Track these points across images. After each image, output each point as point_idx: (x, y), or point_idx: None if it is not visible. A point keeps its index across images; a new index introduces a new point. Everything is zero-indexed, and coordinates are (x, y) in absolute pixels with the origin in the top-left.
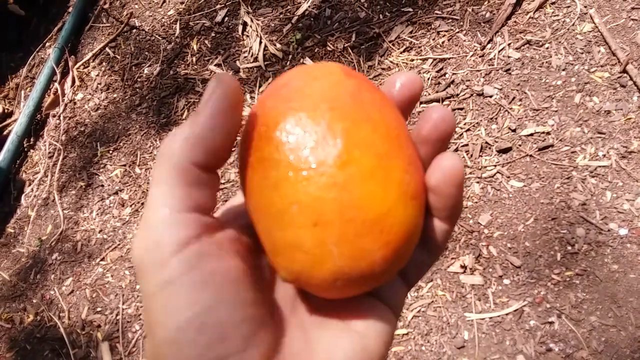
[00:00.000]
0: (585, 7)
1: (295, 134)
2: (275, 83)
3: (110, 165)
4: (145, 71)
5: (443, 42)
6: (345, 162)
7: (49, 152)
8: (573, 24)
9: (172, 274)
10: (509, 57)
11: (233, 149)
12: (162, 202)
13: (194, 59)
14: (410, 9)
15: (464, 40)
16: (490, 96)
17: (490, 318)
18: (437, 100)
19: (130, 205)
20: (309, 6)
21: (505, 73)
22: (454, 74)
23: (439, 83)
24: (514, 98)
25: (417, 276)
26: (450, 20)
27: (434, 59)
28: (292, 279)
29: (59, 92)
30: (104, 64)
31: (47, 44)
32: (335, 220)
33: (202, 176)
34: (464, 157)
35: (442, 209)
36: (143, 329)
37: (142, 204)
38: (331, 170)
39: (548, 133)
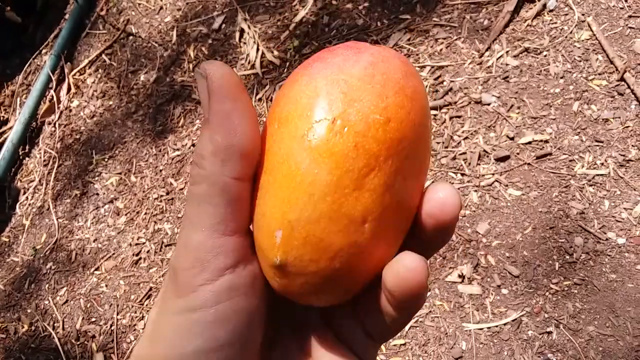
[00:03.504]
0: (583, 15)
1: None
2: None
3: (106, 173)
4: (142, 78)
5: (441, 50)
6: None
7: (44, 160)
8: (571, 32)
9: (198, 303)
10: (507, 64)
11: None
12: (201, 222)
13: (191, 66)
14: (408, 16)
15: (462, 48)
16: (488, 104)
17: (489, 328)
18: (435, 108)
19: (126, 214)
20: (306, 13)
21: (503, 81)
22: (451, 81)
23: (437, 91)
24: (512, 106)
25: (386, 338)
26: (448, 28)
27: (432, 67)
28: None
29: (55, 99)
30: (100, 71)
31: (44, 51)
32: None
33: (241, 189)
34: (461, 165)
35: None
36: (141, 333)
37: (138, 212)
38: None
39: (546, 141)
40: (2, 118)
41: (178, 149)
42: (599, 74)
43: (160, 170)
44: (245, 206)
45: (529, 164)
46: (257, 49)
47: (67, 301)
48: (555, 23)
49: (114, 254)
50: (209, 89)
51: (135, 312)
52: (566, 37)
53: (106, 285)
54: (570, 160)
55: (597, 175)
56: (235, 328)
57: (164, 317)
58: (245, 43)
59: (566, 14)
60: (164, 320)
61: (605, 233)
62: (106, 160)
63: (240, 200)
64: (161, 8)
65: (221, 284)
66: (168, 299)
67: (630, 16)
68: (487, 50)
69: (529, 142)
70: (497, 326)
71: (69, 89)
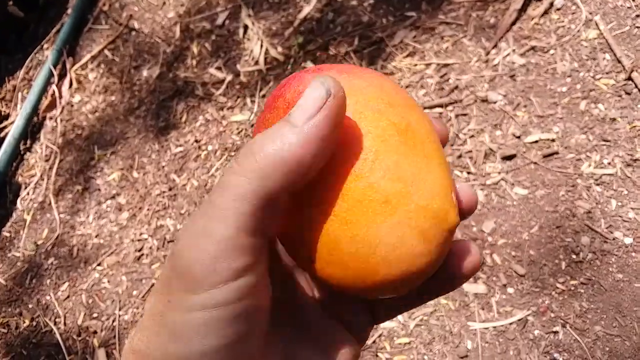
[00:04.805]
0: (590, 13)
1: None
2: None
3: (108, 169)
4: (144, 74)
5: (447, 47)
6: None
7: (46, 155)
8: (578, 31)
9: (218, 300)
10: (513, 63)
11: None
12: (231, 218)
13: (194, 62)
14: (414, 14)
15: (468, 46)
16: (495, 102)
17: (494, 327)
18: (440, 106)
19: (128, 210)
20: (311, 10)
21: (509, 79)
22: (457, 79)
23: (443, 88)
24: (518, 104)
25: (386, 317)
26: (454, 25)
27: (438, 64)
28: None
29: (57, 94)
30: (102, 66)
31: (45, 46)
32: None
33: (284, 200)
34: (467, 163)
35: None
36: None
37: (140, 208)
38: None
39: (553, 140)
40: (3, 113)
41: (181, 145)
42: (606, 73)
43: (163, 167)
44: (279, 217)
45: (535, 162)
46: (261, 46)
47: (68, 297)
48: (563, 21)
49: (116, 249)
50: (327, 104)
51: (137, 308)
52: (573, 35)
53: (108, 281)
54: (577, 160)
55: (604, 174)
56: (250, 325)
57: (173, 313)
58: (249, 39)
59: (573, 13)
60: (174, 317)
61: (612, 233)
62: (108, 155)
63: (279, 210)
64: (164, 3)
65: (241, 283)
66: (176, 293)
67: (637, 15)
68: (493, 48)
69: (536, 141)
70: (502, 325)
71: (70, 84)
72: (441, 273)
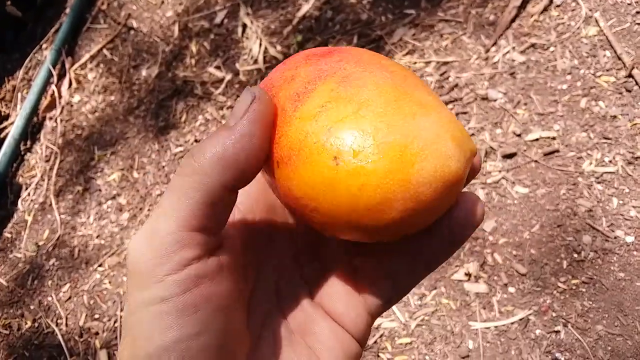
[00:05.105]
0: (590, 10)
1: None
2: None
3: (108, 169)
4: (143, 73)
5: (446, 45)
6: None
7: (46, 156)
8: (578, 28)
9: (167, 293)
10: (513, 60)
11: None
12: (174, 215)
13: (193, 61)
14: (413, 11)
15: (468, 43)
16: (495, 100)
17: (495, 327)
18: None
19: (128, 210)
20: (309, 8)
21: (509, 77)
22: (457, 77)
23: (442, 87)
24: (518, 102)
25: (382, 309)
26: (453, 23)
27: (437, 62)
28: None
29: (56, 94)
30: (101, 65)
31: (44, 46)
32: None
33: (226, 197)
34: None
35: None
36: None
37: (140, 209)
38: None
39: (553, 138)
40: (3, 113)
41: (180, 145)
42: (607, 70)
43: (163, 167)
44: (225, 216)
45: (536, 161)
46: (260, 44)
47: (70, 298)
48: (562, 18)
49: (117, 250)
50: (252, 107)
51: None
52: (573, 32)
53: (109, 282)
54: (578, 158)
55: (606, 172)
56: (208, 314)
57: (134, 315)
58: (247, 38)
59: (573, 10)
60: (135, 317)
61: (613, 231)
62: (108, 156)
63: (223, 208)
64: (162, 2)
65: (187, 273)
66: (132, 294)
67: (638, 12)
68: (493, 45)
69: (536, 139)
70: (504, 325)
71: (70, 84)
72: (453, 222)
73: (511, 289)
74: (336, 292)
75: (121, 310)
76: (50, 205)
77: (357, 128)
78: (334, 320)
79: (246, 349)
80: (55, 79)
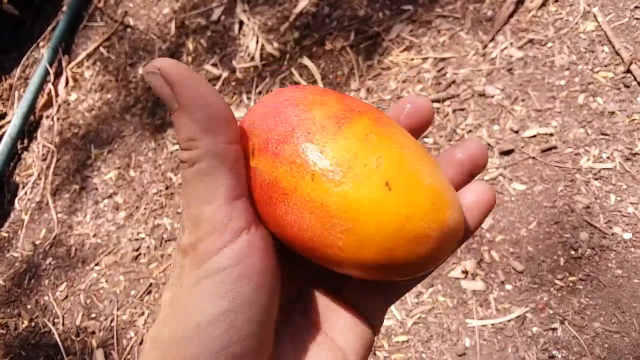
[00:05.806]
0: (588, 5)
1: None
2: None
3: (105, 167)
4: (140, 71)
5: (444, 41)
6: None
7: (43, 155)
8: (576, 23)
9: (222, 264)
10: (511, 56)
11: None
12: (211, 194)
13: (190, 58)
14: (410, 7)
15: (465, 39)
16: (492, 96)
17: (492, 324)
18: (438, 101)
19: (125, 209)
20: (306, 4)
21: (507, 73)
22: (454, 73)
23: (440, 83)
24: (516, 98)
25: (397, 296)
26: (451, 19)
27: (435, 58)
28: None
29: (53, 92)
30: (98, 63)
31: (41, 44)
32: None
33: (236, 150)
34: None
35: None
36: (154, 318)
37: (137, 207)
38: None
39: (551, 134)
40: (0, 112)
41: (177, 143)
42: (605, 66)
43: (160, 165)
44: (242, 168)
45: (533, 157)
46: (257, 41)
47: (67, 297)
48: (560, 14)
49: (113, 249)
50: (168, 79)
51: (135, 308)
52: (571, 28)
53: (106, 281)
54: (576, 154)
55: (603, 169)
56: (258, 286)
57: (182, 295)
58: (244, 35)
59: (571, 5)
60: (183, 297)
61: (611, 228)
62: (105, 154)
63: (238, 162)
64: None
65: (241, 243)
66: (184, 278)
67: (636, 7)
68: (490, 41)
69: (534, 136)
70: (501, 322)
71: (67, 82)
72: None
73: (508, 287)
74: (352, 280)
75: (117, 309)
76: (47, 204)
77: (404, 163)
78: (350, 308)
79: (272, 342)
80: (52, 77)
